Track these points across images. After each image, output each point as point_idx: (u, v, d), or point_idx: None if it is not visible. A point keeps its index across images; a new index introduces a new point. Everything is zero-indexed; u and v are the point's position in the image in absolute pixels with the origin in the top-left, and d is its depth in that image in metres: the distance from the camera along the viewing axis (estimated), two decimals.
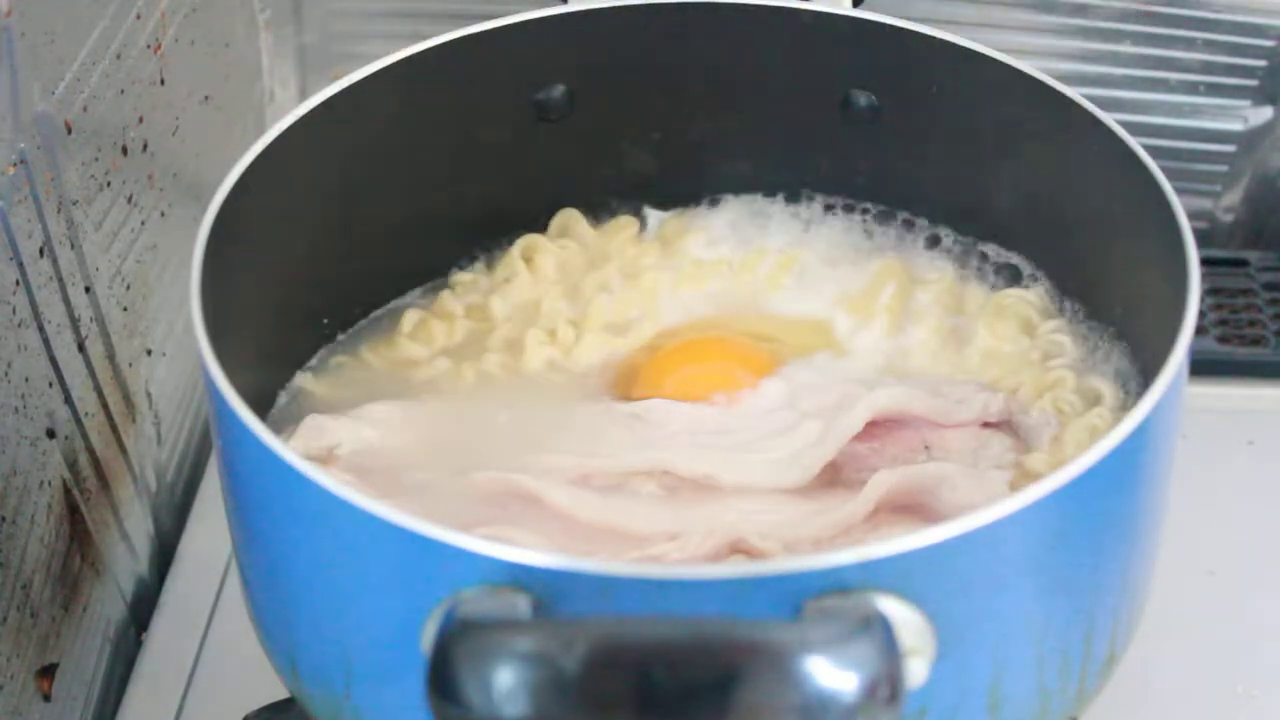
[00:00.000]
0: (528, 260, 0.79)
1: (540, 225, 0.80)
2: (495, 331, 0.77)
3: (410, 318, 0.77)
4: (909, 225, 0.80)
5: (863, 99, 0.78)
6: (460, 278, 0.79)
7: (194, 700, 0.79)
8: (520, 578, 0.52)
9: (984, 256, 0.79)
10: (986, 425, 0.71)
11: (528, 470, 0.67)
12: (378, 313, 0.77)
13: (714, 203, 0.82)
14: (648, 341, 0.76)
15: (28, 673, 0.73)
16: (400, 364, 0.75)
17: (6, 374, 0.71)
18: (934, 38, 0.74)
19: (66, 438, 0.76)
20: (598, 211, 0.81)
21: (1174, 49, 0.96)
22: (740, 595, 0.51)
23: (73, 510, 0.77)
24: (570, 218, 0.80)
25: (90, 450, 0.78)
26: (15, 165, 0.71)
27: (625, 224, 0.81)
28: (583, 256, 0.79)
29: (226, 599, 0.83)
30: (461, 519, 0.64)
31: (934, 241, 0.80)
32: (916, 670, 0.54)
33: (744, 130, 0.80)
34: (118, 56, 0.80)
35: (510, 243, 0.80)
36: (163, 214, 0.86)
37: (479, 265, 0.80)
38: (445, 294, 0.78)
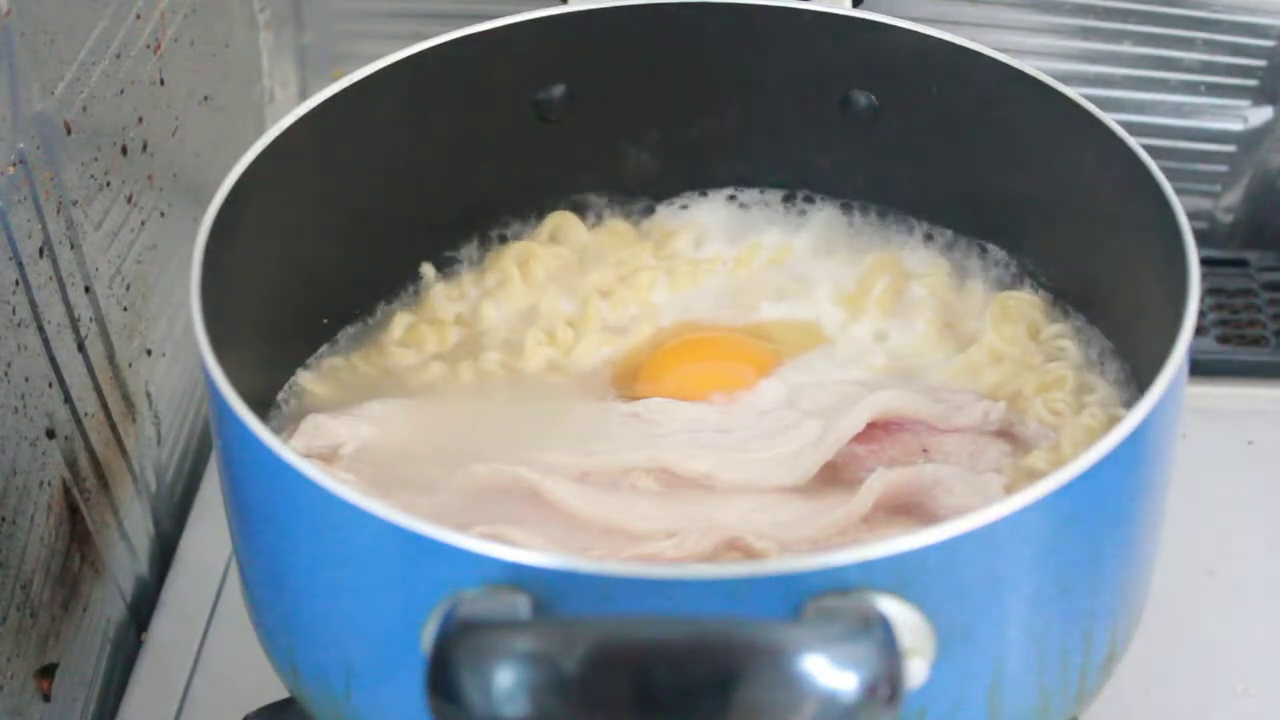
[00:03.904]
0: (521, 265, 0.78)
1: (540, 225, 0.81)
2: (491, 334, 0.76)
3: (401, 322, 0.76)
4: (908, 225, 0.80)
5: (863, 99, 0.78)
6: (455, 280, 0.79)
7: (194, 700, 0.79)
8: (520, 578, 0.52)
9: (983, 256, 0.79)
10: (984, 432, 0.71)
11: (527, 466, 0.67)
12: (374, 315, 0.77)
13: (713, 202, 0.82)
14: (647, 340, 0.76)
15: (28, 673, 0.73)
16: (393, 370, 0.75)
17: (6, 374, 0.71)
18: (934, 38, 0.74)
19: (66, 438, 0.76)
20: (597, 211, 0.81)
21: (1174, 49, 0.96)
22: (740, 595, 0.51)
23: (73, 510, 0.77)
24: (564, 219, 0.80)
25: (90, 450, 0.78)
26: (15, 165, 0.71)
27: (621, 224, 0.81)
28: (578, 259, 0.79)
29: (226, 599, 0.83)
30: (461, 517, 0.65)
31: (933, 241, 0.80)
32: (916, 670, 0.53)
33: (743, 130, 0.80)
34: (117, 56, 0.80)
35: (507, 241, 0.80)
36: (163, 214, 0.86)
37: (476, 267, 0.80)
38: (436, 298, 0.78)
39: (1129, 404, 0.70)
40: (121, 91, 0.81)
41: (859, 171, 0.80)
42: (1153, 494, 0.61)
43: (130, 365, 0.82)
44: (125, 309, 0.82)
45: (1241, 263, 0.98)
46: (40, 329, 0.74)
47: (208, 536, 0.87)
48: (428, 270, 0.78)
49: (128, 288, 0.82)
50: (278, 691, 0.68)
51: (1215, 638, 0.80)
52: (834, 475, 0.68)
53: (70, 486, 0.77)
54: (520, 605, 0.51)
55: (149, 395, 0.85)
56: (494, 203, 0.80)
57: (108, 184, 0.80)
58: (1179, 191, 0.65)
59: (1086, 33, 0.97)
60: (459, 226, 0.80)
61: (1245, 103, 0.97)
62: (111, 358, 0.80)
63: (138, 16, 0.82)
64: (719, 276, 0.79)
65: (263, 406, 0.72)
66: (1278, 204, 1.00)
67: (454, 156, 0.77)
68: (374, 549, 0.55)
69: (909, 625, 0.53)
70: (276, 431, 0.67)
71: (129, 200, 0.82)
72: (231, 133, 0.96)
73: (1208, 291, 0.95)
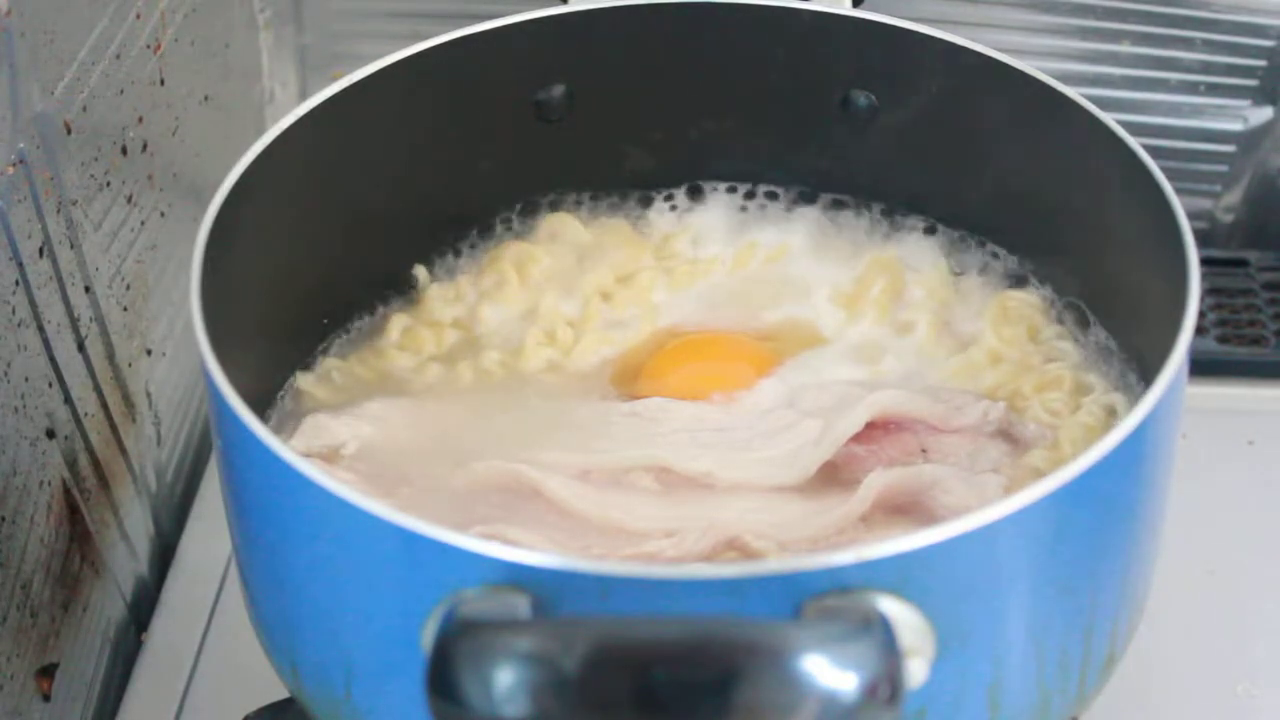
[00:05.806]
0: (519, 267, 0.78)
1: (539, 225, 0.81)
2: (489, 336, 0.76)
3: (398, 324, 0.76)
4: (908, 225, 0.80)
5: (862, 99, 0.78)
6: (452, 282, 0.79)
7: (194, 700, 0.79)
8: (520, 578, 0.52)
9: (983, 256, 0.79)
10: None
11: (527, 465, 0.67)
12: (373, 315, 0.77)
13: (712, 202, 0.82)
14: (646, 340, 0.76)
15: (28, 673, 0.73)
16: (391, 372, 0.75)
17: (6, 374, 0.71)
18: (934, 38, 0.74)
19: (66, 438, 0.76)
20: (596, 211, 0.81)
21: (1174, 49, 0.96)
22: (740, 595, 0.51)
23: (73, 510, 0.77)
24: (563, 220, 0.80)
25: (90, 450, 0.78)
26: (15, 165, 0.71)
27: (620, 224, 0.81)
28: (576, 259, 0.79)
29: (226, 599, 0.83)
30: (462, 516, 0.65)
31: (932, 240, 0.80)
32: (916, 670, 0.53)
33: (743, 130, 0.80)
34: (117, 56, 0.80)
35: (505, 241, 0.80)
36: (163, 214, 0.86)
37: (474, 268, 0.80)
38: (433, 300, 0.77)
39: (1128, 404, 0.70)
40: (121, 91, 0.81)
41: (858, 171, 0.80)
42: (1153, 494, 0.61)
43: (130, 365, 0.82)
44: (125, 309, 0.82)
45: (1241, 263, 0.98)
46: (40, 329, 0.74)
47: (208, 536, 0.87)
48: (421, 272, 0.78)
49: (128, 288, 0.82)
50: (278, 691, 0.68)
51: (1215, 638, 0.80)
52: (833, 475, 0.68)
53: (70, 486, 0.77)
54: (520, 605, 0.51)
55: (149, 395, 0.85)
56: (493, 203, 0.80)
57: (108, 184, 0.80)
58: (1179, 191, 0.65)
59: (1086, 33, 0.97)
60: (458, 227, 0.80)
61: (1245, 103, 0.97)
62: (111, 358, 0.80)
63: (138, 16, 0.82)
64: (718, 276, 0.79)
65: (262, 406, 0.72)
66: (1278, 204, 1.00)
67: (454, 156, 0.77)
68: (374, 549, 0.55)
69: (909, 625, 0.53)
70: (276, 431, 0.68)
71: (129, 200, 0.82)
72: (231, 133, 0.96)
73: (1208, 291, 0.95)
